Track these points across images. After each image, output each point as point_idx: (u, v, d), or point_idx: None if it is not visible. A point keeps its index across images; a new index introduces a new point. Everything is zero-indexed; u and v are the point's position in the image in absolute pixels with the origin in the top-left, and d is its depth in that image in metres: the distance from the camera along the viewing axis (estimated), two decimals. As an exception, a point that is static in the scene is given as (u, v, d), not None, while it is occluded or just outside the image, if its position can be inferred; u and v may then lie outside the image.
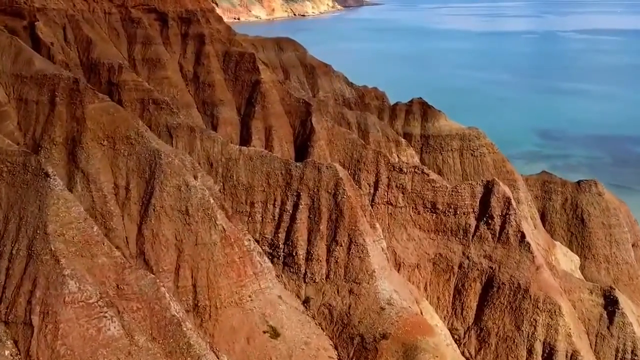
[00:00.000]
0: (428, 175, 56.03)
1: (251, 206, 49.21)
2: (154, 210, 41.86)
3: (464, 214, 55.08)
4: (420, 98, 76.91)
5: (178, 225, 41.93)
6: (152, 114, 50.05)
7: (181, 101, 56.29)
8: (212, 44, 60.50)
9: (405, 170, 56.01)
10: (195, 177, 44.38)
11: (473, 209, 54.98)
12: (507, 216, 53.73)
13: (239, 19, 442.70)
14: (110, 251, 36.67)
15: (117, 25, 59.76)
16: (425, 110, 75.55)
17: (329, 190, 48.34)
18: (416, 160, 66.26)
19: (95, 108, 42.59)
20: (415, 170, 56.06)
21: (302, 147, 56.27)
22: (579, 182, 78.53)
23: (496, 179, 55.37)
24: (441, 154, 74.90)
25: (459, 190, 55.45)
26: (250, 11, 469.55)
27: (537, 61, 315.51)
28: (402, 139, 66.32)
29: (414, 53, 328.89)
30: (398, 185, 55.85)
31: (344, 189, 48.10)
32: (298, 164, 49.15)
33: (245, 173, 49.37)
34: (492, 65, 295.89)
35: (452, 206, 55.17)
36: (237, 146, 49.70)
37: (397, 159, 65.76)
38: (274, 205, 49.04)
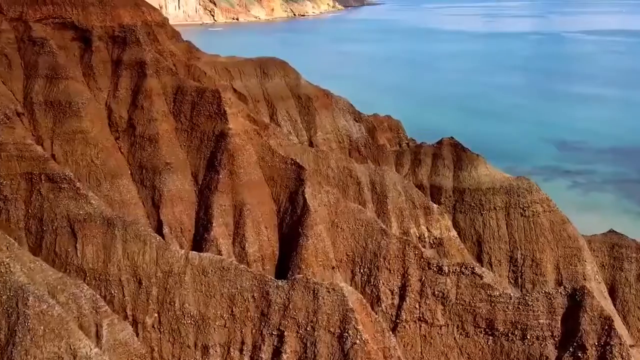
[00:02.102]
0: (481, 277, 36.94)
1: (204, 352, 30.12)
2: (12, 403, 22.79)
3: (537, 339, 36.08)
4: (452, 138, 57.72)
5: None
6: (44, 198, 30.99)
7: (104, 167, 36.81)
8: (157, 76, 40.49)
9: (446, 269, 36.95)
10: (98, 329, 25.19)
11: (552, 333, 35.99)
12: (609, 348, 34.68)
13: (237, 19, 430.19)
14: None
15: (10, 49, 39.52)
16: (458, 154, 56.34)
17: (332, 329, 29.31)
18: (453, 234, 47.23)
19: None
20: (462, 269, 37.00)
21: (291, 235, 37.04)
22: (658, 247, 59.91)
23: (587, 287, 36.26)
24: (481, 214, 55.67)
25: (529, 302, 36.41)
26: (249, 11, 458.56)
27: (547, 64, 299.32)
28: (434, 205, 47.14)
29: (417, 56, 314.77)
30: (436, 292, 36.75)
31: (356, 328, 29.05)
32: (281, 283, 30.07)
33: (195, 296, 30.29)
34: (499, 68, 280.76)
35: (519, 326, 36.24)
36: (182, 252, 30.53)
37: (426, 233, 46.69)
38: (240, 351, 29.98)
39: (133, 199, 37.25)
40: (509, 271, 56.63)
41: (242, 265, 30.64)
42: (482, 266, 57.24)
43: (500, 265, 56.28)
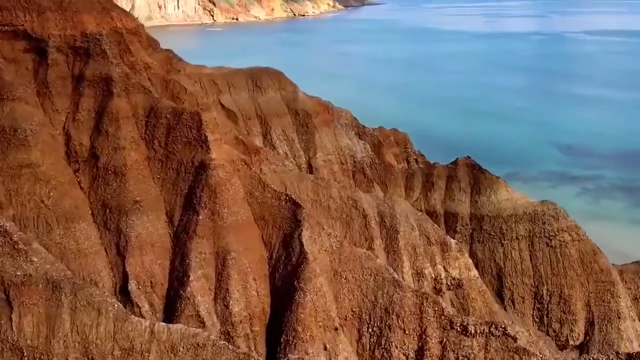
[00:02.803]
0: (515, 339, 30.57)
1: None
2: None
3: (584, 415, 29.78)
4: (468, 158, 51.38)
5: None
6: (-28, 256, 24.71)
7: (57, 209, 30.33)
8: (126, 95, 33.82)
9: (472, 329, 30.61)
10: None
11: (602, 409, 29.60)
12: None
13: (237, 19, 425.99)
14: None
15: (-54, 64, 33.47)
16: (476, 176, 50.09)
17: None
18: (474, 274, 40.88)
19: None
20: (491, 329, 30.63)
21: (285, 288, 30.68)
22: (697, 278, 53.64)
23: (645, 353, 29.85)
24: (502, 245, 49.46)
25: (574, 371, 30.07)
26: (249, 11, 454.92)
27: (549, 64, 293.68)
28: (451, 241, 40.75)
29: (417, 56, 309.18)
30: (460, 357, 30.44)
31: None
32: (270, 365, 23.64)
33: (161, 381, 23.81)
34: (500, 69, 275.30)
35: (562, 400, 29.90)
36: (146, 323, 24.20)
37: (443, 274, 40.34)
38: None
39: (93, 246, 30.81)
40: (534, 309, 50.36)
41: (222, 342, 24.25)
42: (503, 303, 51.19)
43: (523, 302, 50.04)
